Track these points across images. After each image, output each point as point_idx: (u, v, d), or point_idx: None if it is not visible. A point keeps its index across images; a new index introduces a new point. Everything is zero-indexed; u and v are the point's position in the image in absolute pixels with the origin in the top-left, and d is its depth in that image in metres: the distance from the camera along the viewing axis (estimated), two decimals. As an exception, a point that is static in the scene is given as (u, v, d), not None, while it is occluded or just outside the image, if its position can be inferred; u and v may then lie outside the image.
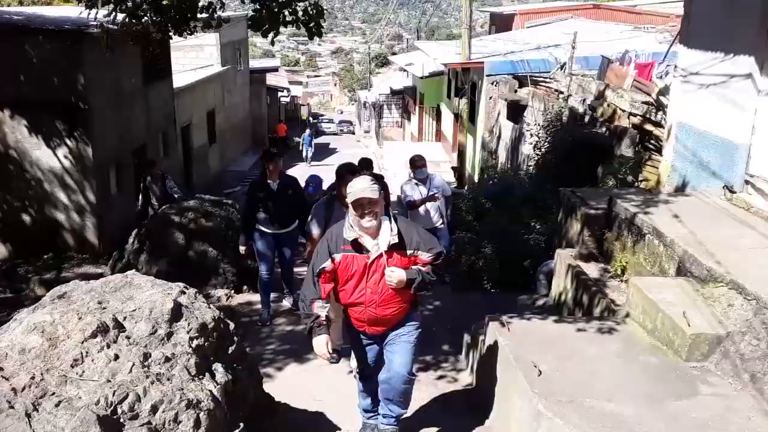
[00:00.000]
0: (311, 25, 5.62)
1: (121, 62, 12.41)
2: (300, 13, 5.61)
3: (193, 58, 21.48)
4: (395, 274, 3.49)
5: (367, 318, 3.70)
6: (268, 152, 6.51)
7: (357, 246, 3.54)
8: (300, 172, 21.49)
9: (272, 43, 6.12)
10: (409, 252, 3.59)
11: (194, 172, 18.89)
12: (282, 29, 5.74)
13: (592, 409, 3.41)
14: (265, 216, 6.26)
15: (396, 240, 3.54)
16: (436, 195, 7.46)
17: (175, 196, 9.94)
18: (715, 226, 5.19)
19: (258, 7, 5.51)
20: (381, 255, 3.53)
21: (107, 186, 12.41)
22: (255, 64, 31.68)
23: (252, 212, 6.34)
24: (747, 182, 5.79)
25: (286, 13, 5.55)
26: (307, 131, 30.68)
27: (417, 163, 7.56)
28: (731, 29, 5.93)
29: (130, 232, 8.58)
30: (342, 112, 61.88)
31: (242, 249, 6.57)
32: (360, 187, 3.44)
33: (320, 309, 3.57)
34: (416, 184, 7.53)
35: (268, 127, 31.15)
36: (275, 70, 35.01)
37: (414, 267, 3.57)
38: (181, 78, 18.18)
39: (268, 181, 6.27)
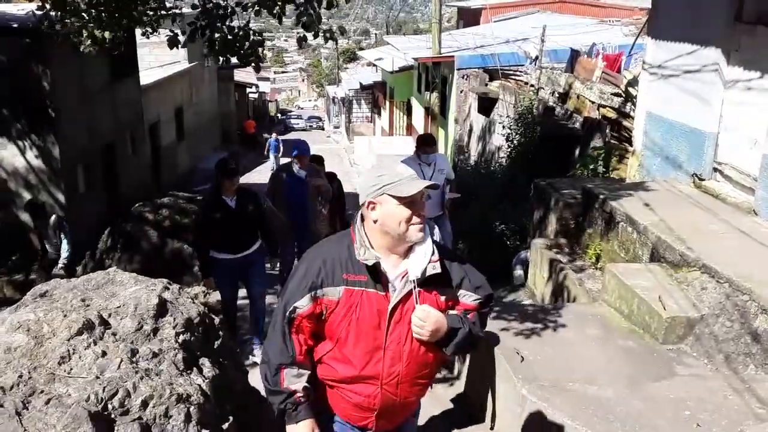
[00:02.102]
0: (251, 57, 6.02)
1: (87, 60, 12.16)
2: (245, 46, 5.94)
3: (160, 55, 21.15)
4: (432, 318, 2.17)
5: (381, 404, 2.29)
6: (225, 166, 5.34)
7: (374, 275, 2.20)
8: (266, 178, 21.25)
9: (227, 62, 6.48)
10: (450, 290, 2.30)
11: (163, 170, 18.66)
12: None
13: (575, 393, 3.49)
14: (223, 239, 5.28)
15: (438, 269, 2.22)
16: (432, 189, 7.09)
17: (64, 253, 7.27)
18: (686, 213, 5.33)
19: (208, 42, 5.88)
20: (410, 292, 2.20)
21: (75, 185, 12.20)
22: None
23: (206, 237, 5.34)
24: (715, 170, 5.95)
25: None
26: (273, 135, 25.48)
27: (427, 145, 6.30)
28: (698, 21, 6.07)
29: (100, 232, 8.47)
30: (316, 107, 61.68)
31: (206, 282, 5.54)
32: (411, 174, 2.19)
33: (294, 380, 2.28)
34: (418, 164, 6.25)
35: (237, 124, 30.87)
36: (243, 66, 34.64)
37: (453, 312, 2.28)
38: (148, 75, 17.92)
39: (224, 197, 5.29)
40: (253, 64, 6.30)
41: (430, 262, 2.19)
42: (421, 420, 4.26)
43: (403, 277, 2.21)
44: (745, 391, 3.54)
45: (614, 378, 3.65)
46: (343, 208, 7.37)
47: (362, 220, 2.26)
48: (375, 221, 2.19)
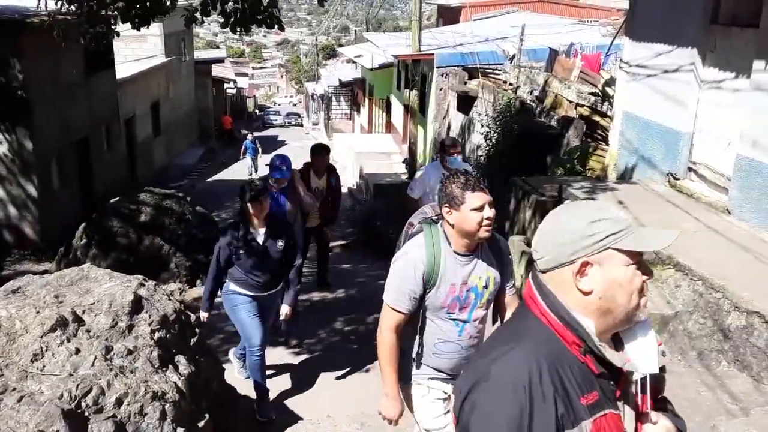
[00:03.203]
0: (270, 20, 5.69)
1: (62, 53, 11.98)
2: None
3: (136, 48, 20.88)
4: None
5: None
6: (250, 191, 4.29)
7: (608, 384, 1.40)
8: (242, 176, 20.66)
9: (246, 30, 6.09)
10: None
11: (139, 166, 18.44)
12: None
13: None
14: (248, 277, 4.35)
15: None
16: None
17: None
18: (661, 212, 5.40)
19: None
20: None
21: (49, 180, 12.00)
22: (200, 55, 31.07)
23: (223, 273, 4.43)
24: (690, 169, 6.04)
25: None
26: (249, 137, 22.80)
27: (450, 149, 5.67)
28: (675, 22, 6.15)
29: (73, 228, 8.34)
30: (292, 103, 61.36)
31: (204, 316, 4.53)
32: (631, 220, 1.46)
33: None
34: (443, 173, 5.32)
35: (214, 119, 30.61)
36: (221, 61, 34.40)
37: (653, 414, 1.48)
38: (124, 69, 17.68)
39: (251, 230, 4.33)
40: (276, 26, 6.00)
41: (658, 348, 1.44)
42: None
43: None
44: (717, 387, 3.60)
45: (590, 374, 3.68)
46: (337, 201, 6.92)
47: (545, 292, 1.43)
48: (588, 293, 1.37)
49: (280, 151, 28.79)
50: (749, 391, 3.50)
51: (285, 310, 4.58)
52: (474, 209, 2.47)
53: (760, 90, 4.86)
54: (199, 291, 7.48)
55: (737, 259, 4.37)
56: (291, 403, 4.55)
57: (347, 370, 5.05)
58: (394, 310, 2.60)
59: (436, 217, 2.67)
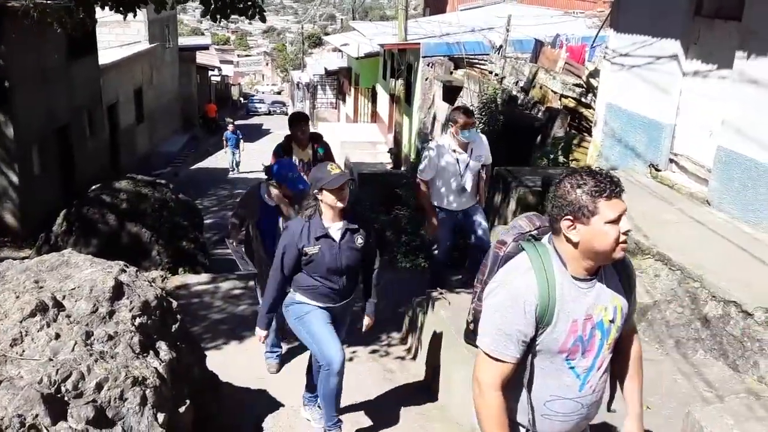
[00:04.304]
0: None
1: (44, 38, 11.82)
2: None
3: (120, 34, 20.66)
4: None
5: None
6: (327, 168, 3.47)
7: None
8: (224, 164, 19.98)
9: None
10: None
11: (122, 153, 18.28)
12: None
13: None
14: (321, 284, 3.56)
15: None
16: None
17: None
18: (642, 203, 5.45)
19: None
20: None
21: (30, 166, 11.86)
22: (184, 41, 30.78)
23: (288, 282, 3.63)
24: (671, 161, 6.10)
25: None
26: (230, 126, 21.14)
27: (465, 120, 5.07)
28: (659, 14, 6.18)
29: (54, 215, 8.26)
30: (273, 91, 60.99)
31: (261, 335, 3.77)
32: None
33: None
34: (453, 150, 5.19)
35: (198, 107, 30.38)
36: (205, 48, 34.12)
37: None
38: (107, 55, 17.47)
39: (327, 225, 3.49)
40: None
41: None
42: (375, 399, 4.31)
43: None
44: (693, 374, 3.65)
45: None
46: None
47: None
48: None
49: (265, 140, 28.67)
50: (725, 378, 3.56)
51: (368, 321, 3.87)
52: (609, 222, 1.87)
53: (742, 82, 4.91)
54: (181, 279, 7.46)
55: (716, 250, 4.43)
56: (271, 387, 4.55)
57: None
58: (497, 360, 1.96)
59: (536, 232, 2.10)
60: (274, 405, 4.32)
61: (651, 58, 6.25)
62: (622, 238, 1.89)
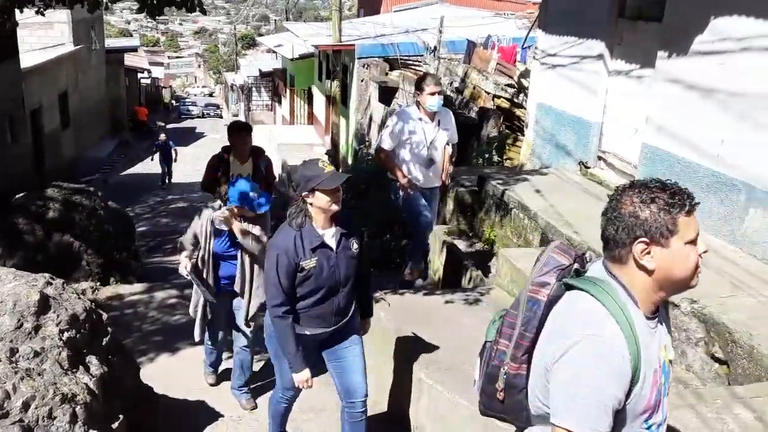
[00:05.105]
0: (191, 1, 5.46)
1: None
2: None
3: (42, 36, 19.84)
4: None
5: None
6: (316, 166, 3.00)
7: None
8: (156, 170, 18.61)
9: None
10: None
11: (46, 159, 17.55)
12: None
13: (470, 374, 3.60)
14: (315, 304, 3.08)
15: None
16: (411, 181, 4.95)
17: None
18: (573, 199, 5.61)
19: None
20: None
21: (-54, 175, 11.25)
22: (111, 43, 29.83)
23: (292, 304, 3.05)
24: (599, 158, 6.29)
25: None
26: (162, 136, 18.77)
27: (433, 88, 4.76)
28: (585, 16, 6.38)
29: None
30: (204, 93, 59.92)
31: (305, 381, 3.12)
32: None
33: None
34: (419, 118, 4.85)
35: (128, 111, 29.50)
36: (134, 50, 33.14)
37: None
38: (29, 58, 16.76)
39: (321, 231, 3.03)
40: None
41: None
42: (320, 410, 4.28)
43: None
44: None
45: (508, 358, 3.79)
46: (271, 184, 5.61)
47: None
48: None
49: (199, 143, 28.07)
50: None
51: (367, 324, 3.52)
52: (689, 242, 1.57)
53: (664, 81, 5.12)
54: (113, 289, 7.21)
55: (643, 243, 4.59)
56: (210, 398, 4.45)
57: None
58: None
59: (577, 265, 1.75)
60: (213, 416, 4.23)
61: (578, 58, 6.44)
62: (700, 261, 1.58)
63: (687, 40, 4.78)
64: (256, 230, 3.81)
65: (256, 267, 3.92)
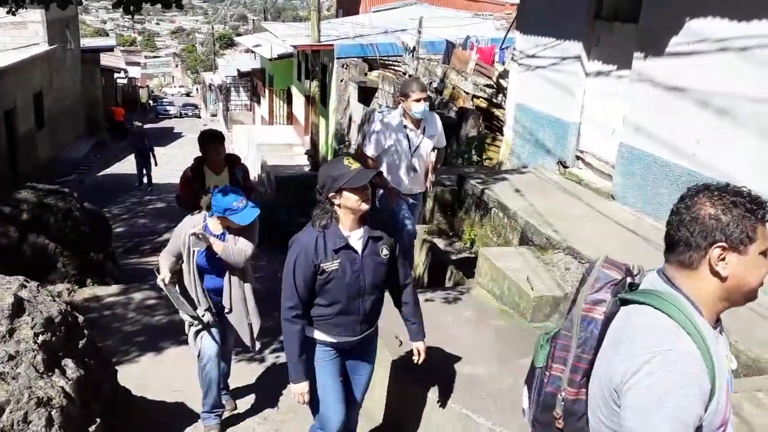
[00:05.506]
0: None
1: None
2: None
3: (16, 36, 19.54)
4: None
5: None
6: (341, 165, 2.77)
7: None
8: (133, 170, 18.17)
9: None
10: None
11: (20, 160, 17.28)
12: None
13: (450, 374, 3.61)
14: (338, 312, 2.87)
15: None
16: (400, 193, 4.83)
17: None
18: (551, 199, 5.65)
19: None
20: None
21: None
22: (87, 43, 29.45)
23: (309, 309, 2.86)
24: (577, 158, 6.35)
25: None
26: (137, 123, 18.39)
27: (419, 94, 4.57)
28: (562, 17, 6.43)
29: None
30: (181, 93, 59.44)
31: (302, 394, 2.89)
32: None
33: None
34: (404, 126, 4.71)
35: (104, 111, 29.14)
36: (110, 49, 32.73)
37: None
38: (2, 58, 16.50)
39: (346, 233, 2.80)
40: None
41: None
42: (299, 410, 4.25)
43: None
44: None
45: (487, 356, 3.81)
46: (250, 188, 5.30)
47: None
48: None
49: (177, 144, 27.81)
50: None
51: (421, 346, 3.13)
52: (762, 252, 1.49)
53: (640, 81, 5.18)
54: (90, 291, 7.11)
55: (621, 241, 4.65)
56: (189, 400, 4.41)
57: (252, 366, 4.97)
58: None
59: (630, 278, 1.64)
60: (192, 418, 4.18)
61: (556, 59, 6.49)
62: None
63: (663, 42, 4.84)
64: (241, 243, 3.55)
65: (247, 285, 3.70)
